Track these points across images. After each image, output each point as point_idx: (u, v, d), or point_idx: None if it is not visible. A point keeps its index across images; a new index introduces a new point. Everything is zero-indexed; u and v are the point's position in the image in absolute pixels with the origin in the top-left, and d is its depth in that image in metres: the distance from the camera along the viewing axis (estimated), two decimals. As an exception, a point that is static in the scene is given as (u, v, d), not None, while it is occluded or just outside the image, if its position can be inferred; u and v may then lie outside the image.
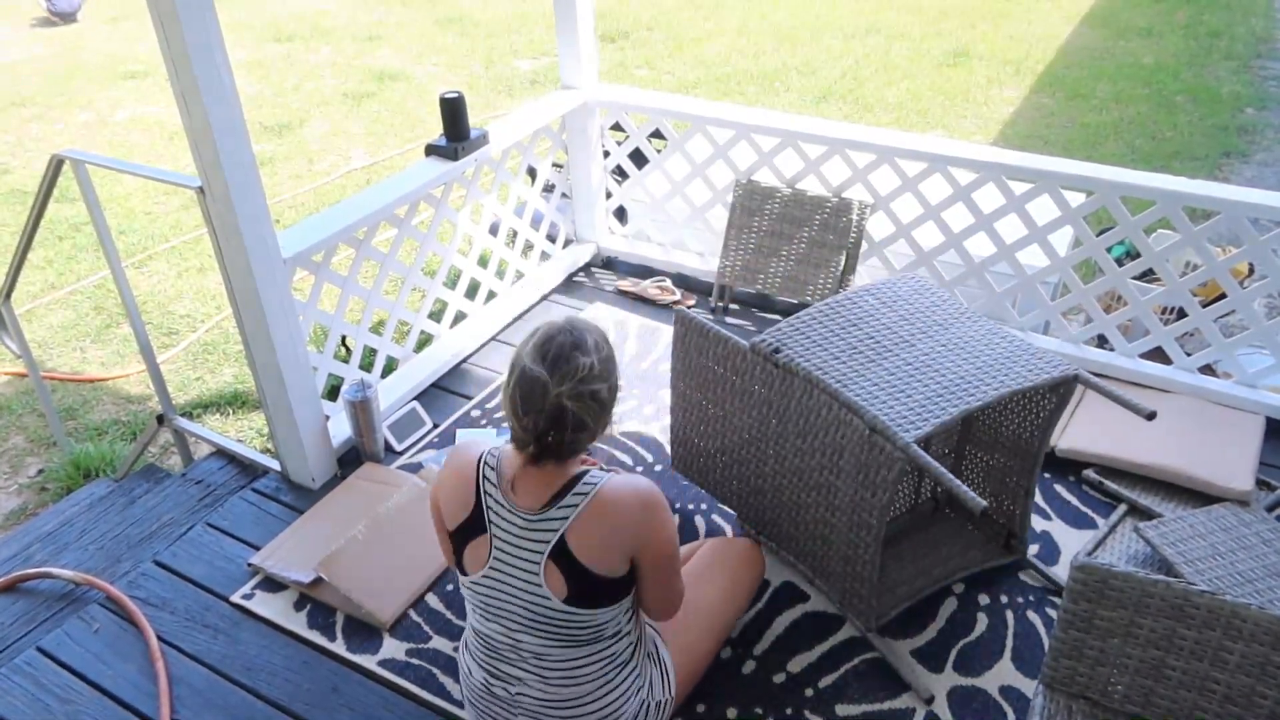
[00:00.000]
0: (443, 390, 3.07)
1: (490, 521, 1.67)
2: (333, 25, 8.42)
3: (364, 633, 2.23)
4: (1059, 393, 2.09)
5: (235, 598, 2.33)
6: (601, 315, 3.40)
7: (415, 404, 2.91)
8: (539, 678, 1.71)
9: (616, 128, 3.53)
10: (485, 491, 1.68)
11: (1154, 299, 2.84)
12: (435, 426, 2.90)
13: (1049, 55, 6.98)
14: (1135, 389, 2.88)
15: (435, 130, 3.00)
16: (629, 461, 2.72)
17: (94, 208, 2.60)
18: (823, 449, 1.96)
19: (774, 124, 3.18)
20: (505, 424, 2.86)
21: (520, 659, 1.72)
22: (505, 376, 1.65)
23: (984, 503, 1.72)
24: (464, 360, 3.21)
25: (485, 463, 1.70)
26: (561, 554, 1.61)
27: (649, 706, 1.81)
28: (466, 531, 1.69)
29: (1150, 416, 1.98)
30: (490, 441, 1.76)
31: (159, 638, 2.23)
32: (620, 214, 3.92)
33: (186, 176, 2.34)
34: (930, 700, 2.04)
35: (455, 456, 1.74)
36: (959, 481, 1.84)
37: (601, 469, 1.70)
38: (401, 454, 2.79)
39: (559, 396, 1.56)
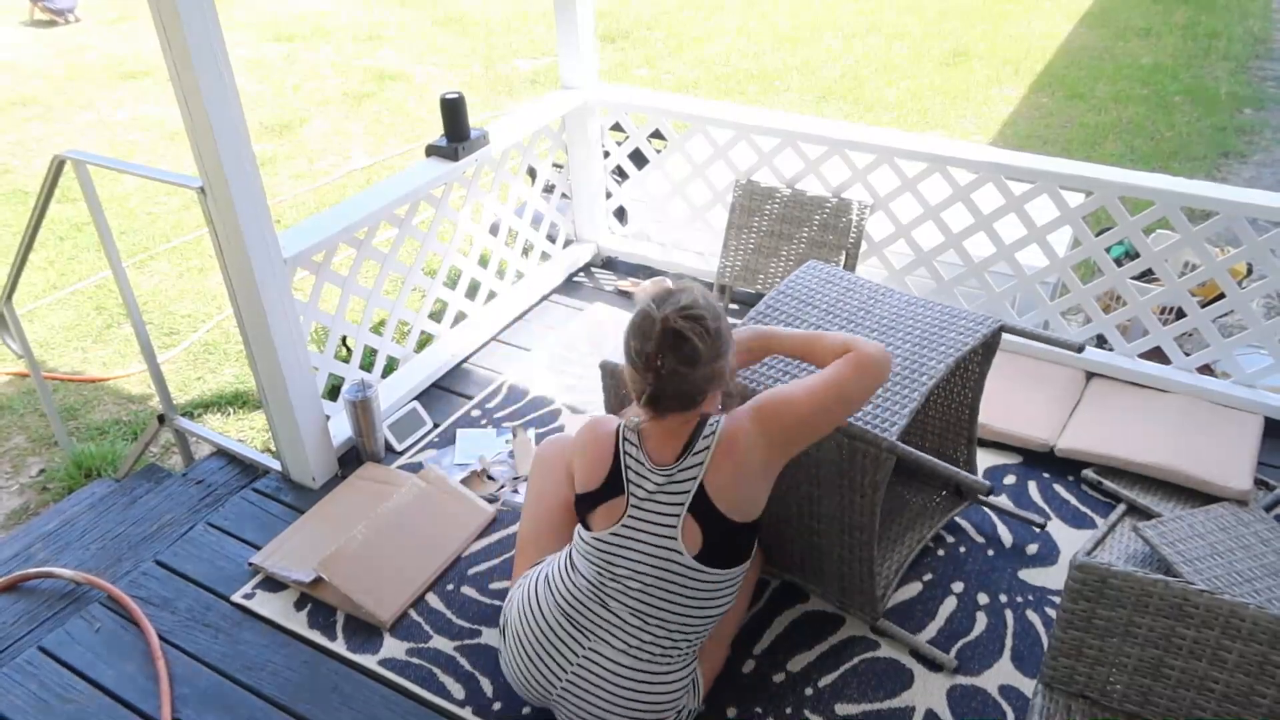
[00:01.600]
0: (443, 390, 3.08)
1: (629, 480, 1.76)
2: (333, 25, 8.43)
3: (364, 632, 2.23)
4: (987, 346, 2.20)
5: (236, 597, 2.34)
6: (601, 315, 3.41)
7: (415, 404, 2.92)
8: (621, 640, 1.77)
9: (616, 128, 3.54)
10: (625, 452, 1.78)
11: (1153, 299, 2.85)
12: (435, 426, 2.91)
13: (1048, 55, 6.98)
14: (1134, 389, 2.89)
15: (436, 130, 3.00)
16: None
17: (95, 208, 2.60)
18: (802, 466, 1.98)
19: (774, 124, 3.18)
20: (506, 425, 2.88)
21: (625, 602, 1.76)
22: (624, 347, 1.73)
23: (989, 485, 1.76)
24: (464, 360, 3.21)
25: (624, 428, 1.80)
26: (701, 503, 1.71)
27: (687, 711, 1.88)
28: (601, 494, 1.79)
29: (1079, 349, 2.12)
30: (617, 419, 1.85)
31: (160, 637, 2.23)
32: (620, 214, 3.92)
33: (187, 177, 2.34)
34: (956, 668, 2.09)
35: (592, 428, 1.86)
36: (956, 469, 1.86)
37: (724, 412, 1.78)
38: (402, 454, 2.80)
39: (665, 320, 1.63)
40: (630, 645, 1.78)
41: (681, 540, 1.72)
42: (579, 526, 1.86)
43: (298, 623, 2.26)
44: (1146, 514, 2.46)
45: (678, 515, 1.72)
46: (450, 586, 2.35)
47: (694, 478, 1.72)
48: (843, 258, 3.19)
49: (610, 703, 1.78)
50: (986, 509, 2.54)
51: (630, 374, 1.72)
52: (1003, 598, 2.28)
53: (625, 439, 1.79)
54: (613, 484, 1.78)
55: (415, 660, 2.16)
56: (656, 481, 1.74)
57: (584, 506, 1.84)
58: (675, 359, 1.64)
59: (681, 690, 1.84)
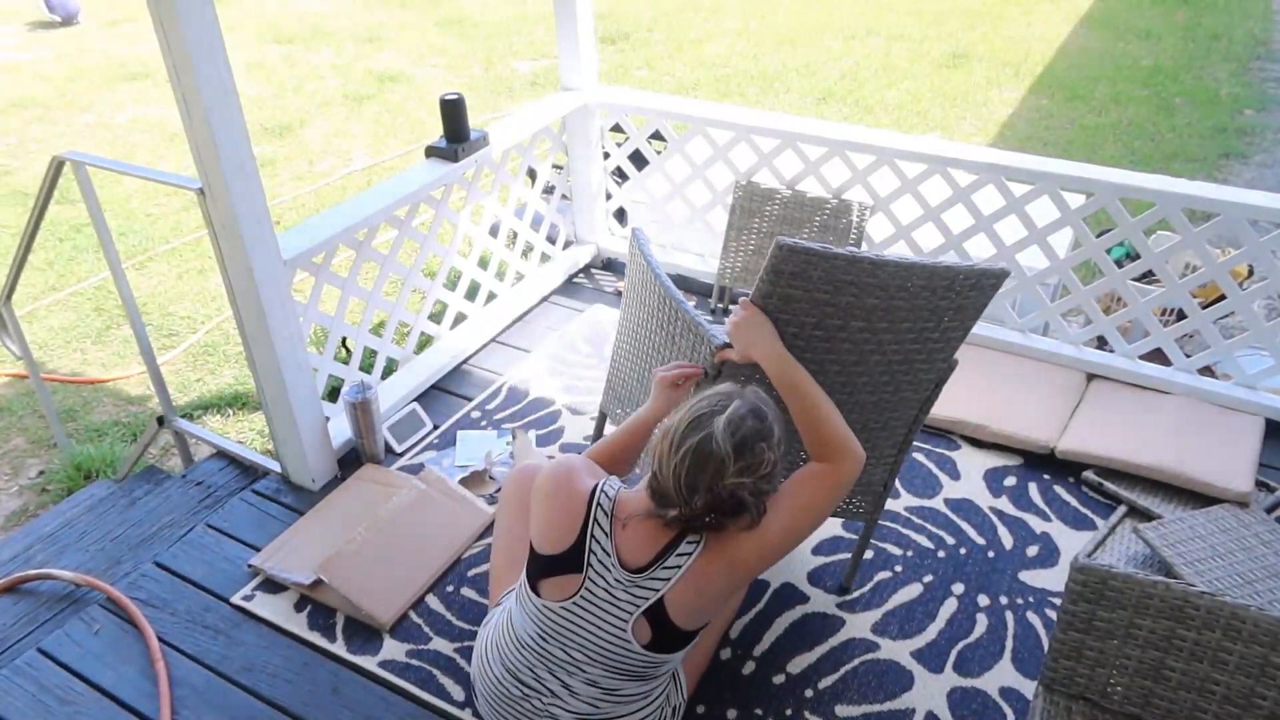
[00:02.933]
0: (443, 391, 3.08)
1: (590, 565, 1.63)
2: (333, 27, 8.43)
3: (364, 634, 2.23)
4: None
5: (236, 599, 2.33)
6: (601, 317, 3.41)
7: (415, 405, 2.92)
8: (581, 698, 1.71)
9: (616, 129, 3.54)
10: (593, 535, 1.63)
11: (1153, 300, 2.85)
12: (435, 428, 2.90)
13: (1048, 57, 6.98)
14: (1135, 390, 2.88)
15: (435, 132, 3.00)
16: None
17: (95, 209, 2.60)
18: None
19: (774, 125, 3.18)
20: (506, 426, 2.88)
21: (572, 675, 1.70)
22: (672, 427, 1.57)
23: None
24: (464, 361, 3.21)
25: (599, 502, 1.65)
26: (657, 611, 1.62)
27: (666, 714, 1.84)
28: (558, 564, 1.65)
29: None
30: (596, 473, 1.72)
31: (159, 639, 2.23)
32: (620, 215, 3.92)
33: (187, 178, 2.34)
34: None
35: (565, 480, 1.69)
36: None
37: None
38: (402, 455, 2.80)
39: (739, 487, 1.52)
40: (593, 699, 1.71)
41: (632, 634, 1.63)
42: (525, 582, 1.73)
43: (297, 624, 2.26)
44: (1147, 516, 2.46)
45: (630, 614, 1.63)
46: (450, 588, 2.34)
47: (657, 591, 1.61)
48: (843, 259, 3.18)
49: None
50: (987, 510, 2.54)
51: (664, 474, 1.56)
52: (1003, 599, 2.28)
53: (597, 515, 1.64)
54: (573, 559, 1.64)
55: (415, 662, 2.16)
56: (619, 580, 1.63)
57: (536, 568, 1.69)
58: (722, 520, 1.58)
59: (659, 707, 1.80)
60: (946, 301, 1.81)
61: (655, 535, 1.62)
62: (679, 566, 1.61)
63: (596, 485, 1.68)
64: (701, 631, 1.89)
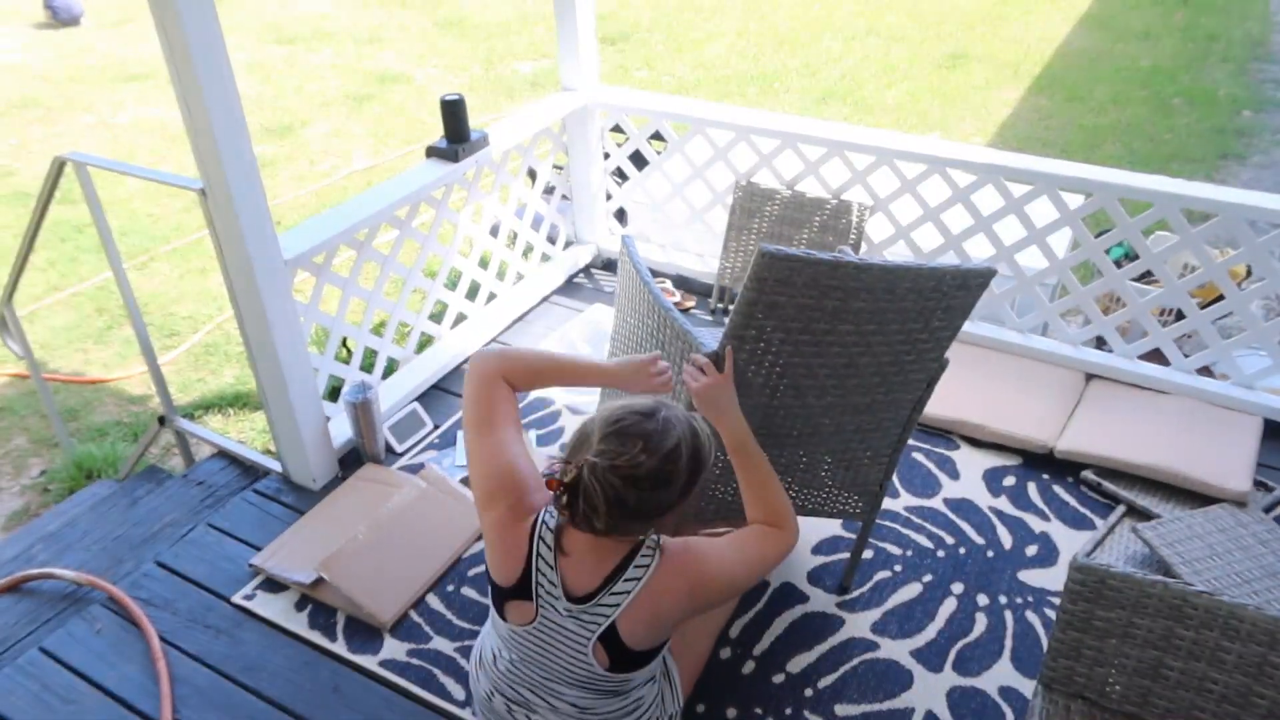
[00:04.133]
0: (443, 391, 3.08)
1: (539, 596, 1.59)
2: (334, 27, 8.44)
3: (365, 633, 2.24)
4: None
5: (237, 598, 2.34)
6: (601, 317, 3.41)
7: (416, 405, 2.92)
8: (565, 714, 1.69)
9: (617, 129, 3.54)
10: (537, 567, 1.58)
11: (1152, 300, 2.85)
12: (436, 428, 2.91)
13: (1046, 57, 6.99)
14: (1134, 390, 2.89)
15: (436, 132, 3.01)
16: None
17: (96, 209, 2.60)
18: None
19: (773, 126, 3.19)
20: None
21: (551, 695, 1.68)
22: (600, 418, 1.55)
23: None
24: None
25: (540, 533, 1.60)
26: (611, 635, 1.57)
27: (660, 716, 1.83)
28: (515, 592, 1.61)
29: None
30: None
31: (161, 638, 2.23)
32: (620, 216, 3.92)
33: (188, 178, 2.35)
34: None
35: (508, 522, 1.63)
36: None
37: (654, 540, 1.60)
38: (402, 455, 2.80)
39: (590, 466, 1.46)
40: (572, 716, 1.69)
41: (593, 657, 1.59)
42: (492, 606, 1.70)
43: (298, 623, 2.27)
44: (1146, 515, 2.46)
45: (587, 641, 1.58)
46: (451, 587, 2.35)
47: (607, 617, 1.55)
48: (842, 259, 3.19)
49: None
50: (986, 510, 2.54)
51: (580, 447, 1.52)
52: (1002, 599, 2.29)
53: (540, 549, 1.58)
54: (524, 588, 1.60)
55: (415, 661, 2.17)
56: (566, 609, 1.58)
57: (497, 595, 1.66)
58: (591, 508, 1.48)
59: (652, 710, 1.78)
60: (934, 302, 1.81)
61: (601, 559, 1.56)
62: (628, 591, 1.55)
63: (537, 518, 1.61)
64: (687, 637, 1.89)
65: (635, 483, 1.47)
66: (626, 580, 1.56)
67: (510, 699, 1.73)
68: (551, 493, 1.53)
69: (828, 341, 1.80)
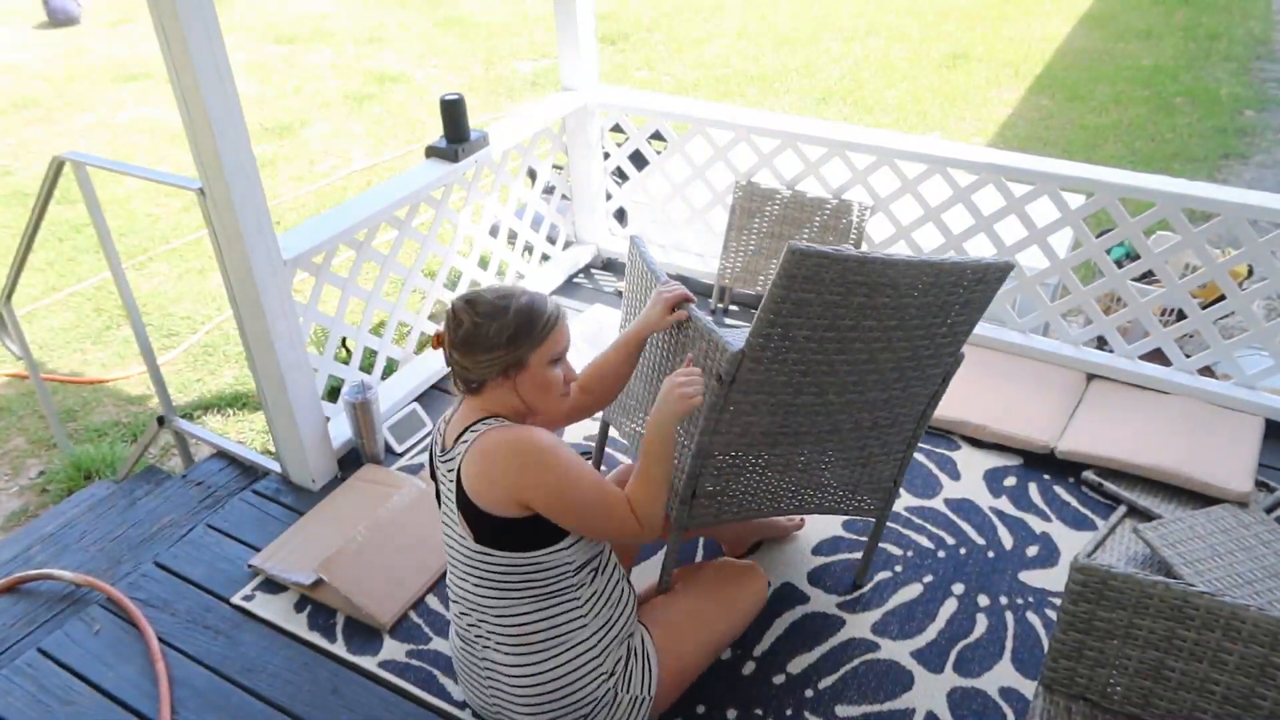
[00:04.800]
0: (443, 392, 3.08)
1: (435, 474, 1.79)
2: (333, 27, 8.43)
3: (364, 634, 2.23)
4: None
5: (236, 599, 2.33)
6: (601, 317, 3.41)
7: (415, 405, 2.92)
8: (496, 635, 1.75)
9: (616, 129, 3.54)
10: (433, 453, 1.80)
11: (1153, 300, 2.85)
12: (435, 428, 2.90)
13: (1047, 57, 6.98)
14: (1135, 390, 2.89)
15: (436, 132, 3.00)
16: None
17: (95, 209, 2.60)
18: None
19: (774, 126, 3.18)
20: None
21: (475, 610, 1.76)
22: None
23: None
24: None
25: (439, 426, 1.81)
26: (462, 492, 1.68)
27: (622, 700, 1.80)
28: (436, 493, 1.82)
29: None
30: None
31: (159, 639, 2.23)
32: (620, 215, 3.92)
33: (187, 178, 2.34)
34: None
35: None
36: None
37: (502, 422, 1.71)
38: (402, 455, 2.80)
39: (456, 302, 1.70)
40: (505, 639, 1.74)
41: (463, 524, 1.70)
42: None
43: (297, 624, 2.26)
44: (1147, 516, 2.46)
45: (453, 498, 1.71)
46: (450, 588, 2.35)
47: (454, 468, 1.70)
48: (843, 259, 3.19)
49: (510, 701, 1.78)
50: (987, 510, 2.54)
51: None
52: (1003, 599, 2.28)
53: (438, 425, 1.82)
54: (433, 473, 1.82)
55: (415, 662, 2.16)
56: (440, 463, 1.76)
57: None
58: (454, 336, 1.69)
59: (599, 677, 1.77)
60: (954, 296, 1.82)
61: (465, 415, 1.73)
62: (468, 441, 1.68)
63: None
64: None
65: (475, 302, 1.68)
66: (469, 432, 1.70)
67: (460, 634, 1.82)
68: None
69: (851, 338, 1.82)
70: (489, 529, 1.67)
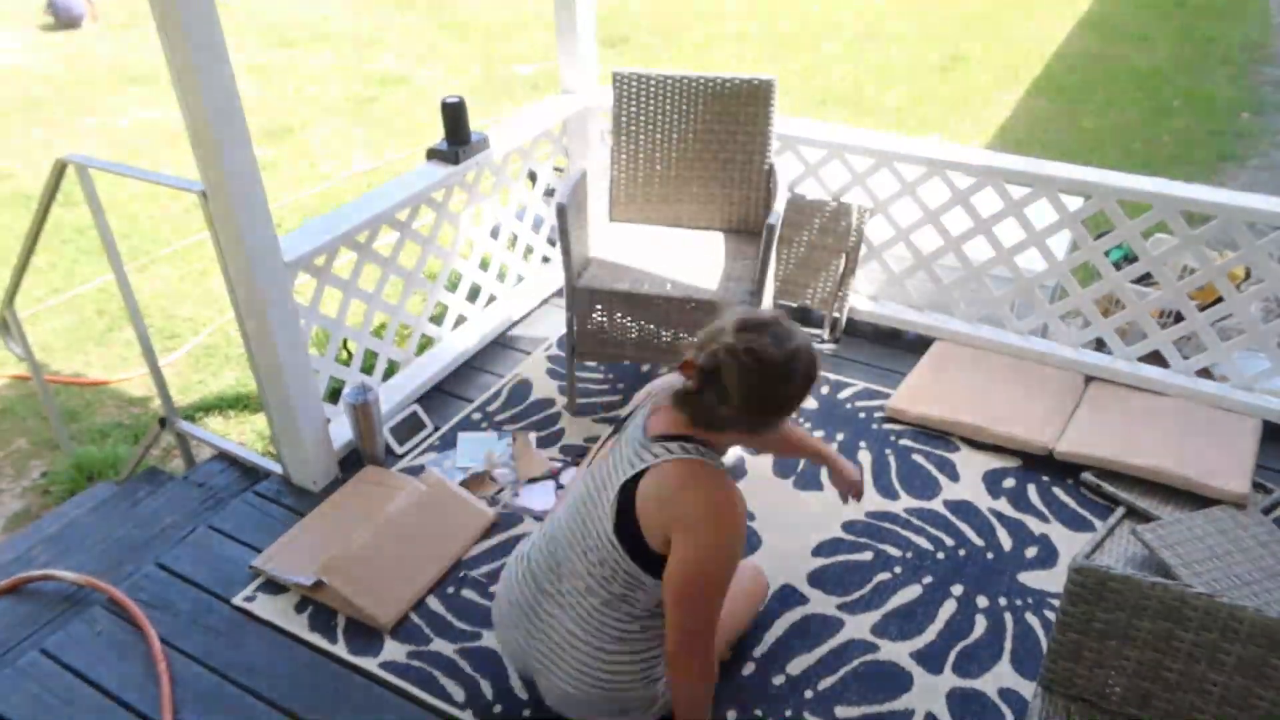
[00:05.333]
0: (444, 393, 3.09)
1: (625, 425, 1.80)
2: (334, 30, 8.45)
3: (365, 635, 2.24)
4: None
5: (237, 600, 2.34)
6: (602, 319, 3.41)
7: (416, 407, 2.92)
8: (578, 609, 1.77)
9: (617, 132, 3.54)
10: (640, 404, 1.80)
11: (1151, 302, 2.86)
12: (436, 429, 2.91)
13: (1045, 60, 7.00)
14: (1133, 392, 2.89)
15: (436, 134, 3.01)
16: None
17: (97, 211, 2.61)
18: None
19: (773, 128, 3.19)
20: (506, 428, 2.89)
21: (572, 578, 1.77)
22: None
23: None
24: (465, 363, 3.22)
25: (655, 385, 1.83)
26: (628, 491, 1.66)
27: (655, 698, 1.84)
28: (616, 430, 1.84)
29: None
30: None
31: (161, 640, 2.23)
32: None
33: (189, 181, 2.35)
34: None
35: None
36: None
37: (715, 465, 1.67)
38: (403, 457, 2.80)
39: (727, 348, 1.58)
40: (578, 616, 1.78)
41: (609, 507, 1.69)
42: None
43: (299, 625, 2.27)
44: (1145, 517, 2.46)
45: (618, 481, 1.68)
46: (451, 590, 2.35)
47: (645, 463, 1.66)
48: (842, 261, 3.20)
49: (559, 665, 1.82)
50: (986, 512, 2.55)
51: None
52: (1002, 600, 2.29)
53: (650, 391, 1.84)
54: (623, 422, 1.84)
55: (416, 663, 2.17)
56: (635, 439, 1.71)
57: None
58: (699, 390, 1.62)
59: (642, 685, 1.82)
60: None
61: (674, 421, 1.68)
62: (660, 455, 1.65)
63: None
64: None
65: (762, 363, 1.57)
66: (680, 445, 1.65)
67: (534, 569, 1.84)
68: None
69: None
70: (628, 533, 1.68)
